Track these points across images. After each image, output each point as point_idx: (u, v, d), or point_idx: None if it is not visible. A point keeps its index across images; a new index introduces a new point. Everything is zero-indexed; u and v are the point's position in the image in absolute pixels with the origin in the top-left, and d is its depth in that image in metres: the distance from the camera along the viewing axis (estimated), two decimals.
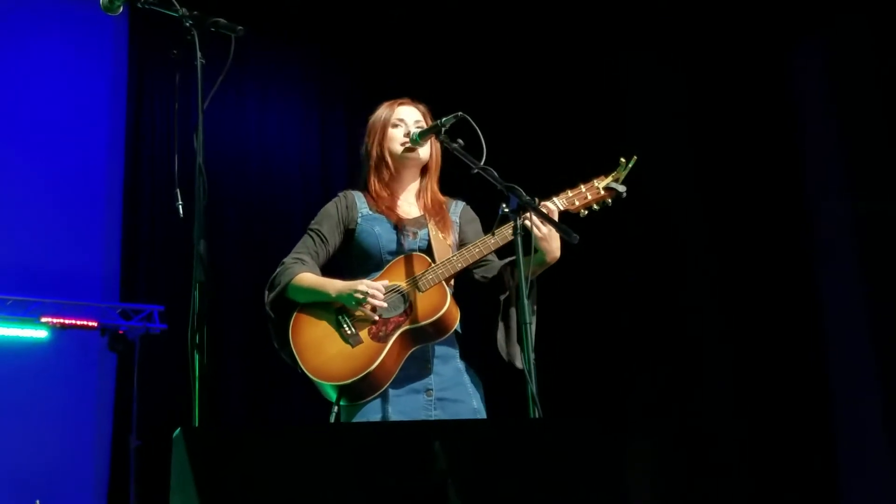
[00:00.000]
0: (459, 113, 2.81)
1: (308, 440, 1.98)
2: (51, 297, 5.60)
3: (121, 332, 5.61)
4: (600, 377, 6.32)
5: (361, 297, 2.74)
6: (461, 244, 2.96)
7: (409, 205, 3.04)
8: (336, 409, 2.75)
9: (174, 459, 1.90)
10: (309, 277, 2.85)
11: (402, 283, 2.82)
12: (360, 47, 6.69)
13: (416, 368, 2.82)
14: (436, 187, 3.06)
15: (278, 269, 2.91)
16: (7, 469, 5.39)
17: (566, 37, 6.70)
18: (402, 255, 2.88)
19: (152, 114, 6.10)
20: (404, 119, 3.02)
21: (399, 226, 2.94)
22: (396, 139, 3.00)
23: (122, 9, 2.54)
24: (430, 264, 2.83)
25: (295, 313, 2.83)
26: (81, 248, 5.93)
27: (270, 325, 2.89)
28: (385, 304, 2.76)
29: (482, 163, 2.71)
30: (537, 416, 2.41)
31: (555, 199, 2.83)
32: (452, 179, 3.12)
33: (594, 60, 6.71)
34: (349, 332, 2.77)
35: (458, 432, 2.15)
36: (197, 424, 2.17)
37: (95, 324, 5.62)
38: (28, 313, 5.55)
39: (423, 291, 2.79)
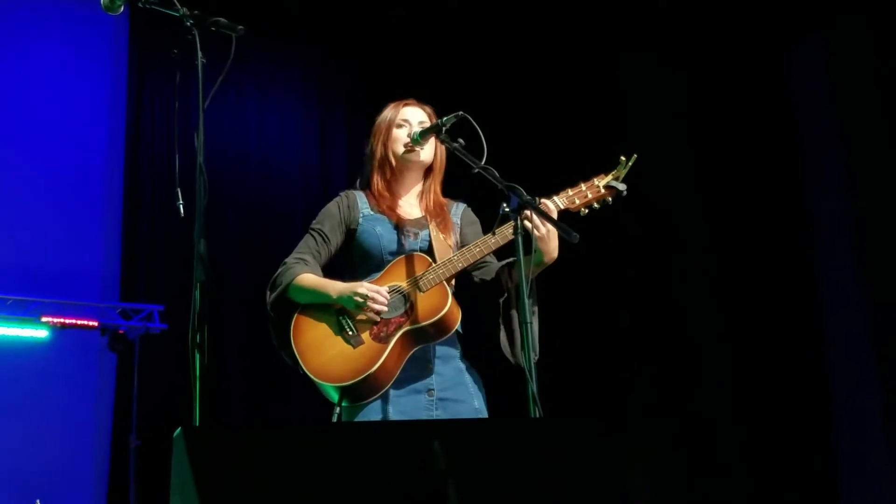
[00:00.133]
0: (460, 112, 2.82)
1: (308, 440, 1.98)
2: (51, 297, 5.60)
3: (121, 331, 5.61)
4: (600, 377, 6.32)
5: (362, 300, 2.74)
6: (461, 246, 2.96)
7: (410, 206, 3.04)
8: (338, 409, 2.75)
9: (174, 459, 1.90)
10: (310, 278, 2.85)
11: (403, 284, 2.82)
12: (360, 47, 6.69)
13: (417, 369, 2.81)
14: (438, 189, 3.06)
15: (280, 269, 2.91)
16: (7, 469, 5.39)
17: (566, 36, 6.70)
18: (403, 256, 2.87)
19: (152, 113, 6.09)
20: (409, 120, 3.02)
21: (400, 226, 2.94)
22: (400, 140, 3.00)
23: (122, 8, 2.54)
24: (431, 264, 2.83)
25: (296, 314, 2.83)
26: (81, 248, 5.93)
27: (271, 325, 2.88)
28: (386, 308, 2.75)
29: (483, 162, 2.71)
30: (537, 415, 2.41)
31: (555, 197, 2.83)
32: (453, 179, 3.12)
33: (594, 60, 6.70)
34: (350, 332, 2.76)
35: (458, 432, 2.15)
36: (197, 424, 2.17)
37: (95, 323, 5.62)
38: (28, 313, 5.55)
39: (423, 292, 2.78)
